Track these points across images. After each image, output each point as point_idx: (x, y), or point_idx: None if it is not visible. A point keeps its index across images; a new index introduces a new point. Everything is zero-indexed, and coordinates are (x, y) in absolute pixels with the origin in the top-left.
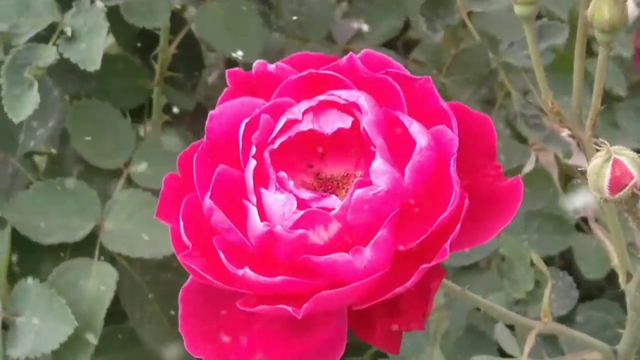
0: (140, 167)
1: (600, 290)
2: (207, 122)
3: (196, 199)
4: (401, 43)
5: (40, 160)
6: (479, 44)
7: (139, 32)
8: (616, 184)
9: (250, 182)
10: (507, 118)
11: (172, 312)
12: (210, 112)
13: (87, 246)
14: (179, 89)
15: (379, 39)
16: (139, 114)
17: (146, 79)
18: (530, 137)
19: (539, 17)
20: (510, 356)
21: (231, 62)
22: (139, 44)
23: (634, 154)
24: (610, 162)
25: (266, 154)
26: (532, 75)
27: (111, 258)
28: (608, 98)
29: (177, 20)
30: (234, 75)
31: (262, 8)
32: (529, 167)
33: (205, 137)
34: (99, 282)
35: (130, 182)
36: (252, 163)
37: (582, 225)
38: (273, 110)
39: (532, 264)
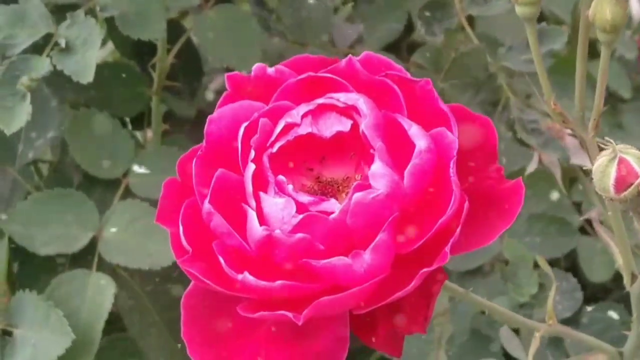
0: (138, 177)
1: (605, 292)
2: (206, 126)
3: (196, 203)
4: (405, 46)
5: (44, 167)
6: (478, 48)
7: (137, 39)
8: (622, 183)
9: (249, 187)
10: (509, 121)
11: (173, 323)
12: (209, 116)
13: (85, 257)
14: (177, 96)
15: (379, 42)
16: (139, 122)
17: (145, 86)
18: (529, 143)
19: (540, 19)
20: (515, 359)
21: (232, 69)
22: (138, 51)
23: None
24: (616, 161)
25: (265, 158)
26: (533, 78)
27: (111, 269)
28: (613, 99)
29: (175, 28)
30: (233, 79)
31: (261, 13)
32: (531, 167)
33: (204, 141)
34: (97, 293)
35: (128, 192)
36: (251, 167)
37: (586, 227)
38: (272, 113)
39: (535, 266)
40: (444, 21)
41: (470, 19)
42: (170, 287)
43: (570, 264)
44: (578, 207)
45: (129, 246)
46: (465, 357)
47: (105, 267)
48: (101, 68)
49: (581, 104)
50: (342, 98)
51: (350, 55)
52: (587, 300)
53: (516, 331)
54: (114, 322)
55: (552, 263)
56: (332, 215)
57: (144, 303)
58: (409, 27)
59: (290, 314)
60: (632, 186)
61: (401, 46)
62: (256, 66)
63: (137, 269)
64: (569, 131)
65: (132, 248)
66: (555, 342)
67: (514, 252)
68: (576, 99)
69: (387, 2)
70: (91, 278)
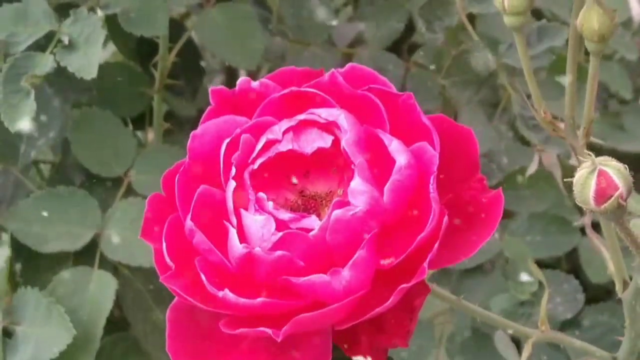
0: (140, 176)
1: (607, 294)
2: (189, 141)
3: (179, 219)
4: (407, 47)
5: (46, 168)
6: (478, 46)
7: (139, 39)
8: (601, 195)
9: (230, 204)
10: (510, 120)
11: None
12: (193, 132)
13: (87, 255)
14: (179, 95)
15: (380, 42)
16: (140, 121)
17: (147, 86)
18: (530, 139)
19: (541, 18)
20: None
21: (232, 69)
22: (139, 52)
23: (620, 165)
24: (596, 173)
25: (246, 175)
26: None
27: (114, 268)
28: (614, 101)
29: (177, 27)
30: (217, 93)
31: (263, 13)
32: (532, 168)
33: (187, 156)
34: (99, 290)
35: (130, 191)
36: (232, 184)
37: None
38: (254, 129)
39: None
40: (445, 19)
41: (472, 18)
42: None
43: (572, 266)
44: (580, 208)
45: (131, 244)
46: (466, 355)
47: (108, 265)
48: (103, 68)
49: (571, 111)
50: (323, 114)
51: (333, 70)
52: (589, 302)
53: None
54: (116, 322)
55: (554, 264)
56: (312, 233)
57: (147, 302)
58: (411, 28)
59: (269, 331)
60: (612, 198)
61: (402, 47)
62: (240, 80)
63: (140, 268)
64: None
65: (134, 246)
66: (553, 346)
67: (515, 251)
68: (566, 106)
69: (388, 3)
70: (93, 275)
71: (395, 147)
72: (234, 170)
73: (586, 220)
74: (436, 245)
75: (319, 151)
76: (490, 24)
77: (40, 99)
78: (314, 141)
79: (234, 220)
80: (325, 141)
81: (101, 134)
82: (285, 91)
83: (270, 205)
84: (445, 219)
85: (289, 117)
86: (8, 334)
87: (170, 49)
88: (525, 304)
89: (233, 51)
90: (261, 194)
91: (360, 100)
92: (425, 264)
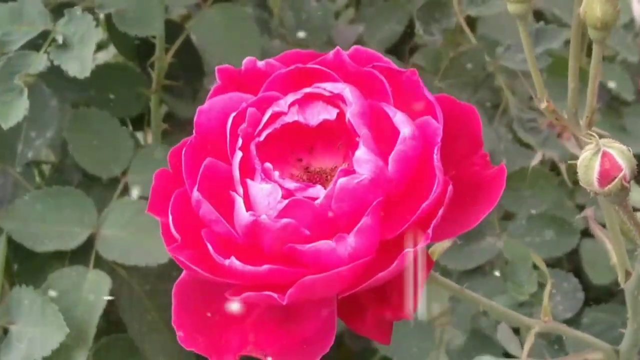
0: (137, 176)
1: (609, 295)
2: (195, 116)
3: (186, 193)
4: (408, 49)
5: (47, 169)
6: (476, 48)
7: (138, 40)
8: (605, 177)
9: (236, 174)
10: (509, 122)
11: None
12: (199, 107)
13: (83, 254)
14: (179, 97)
15: (380, 44)
16: (140, 122)
17: (145, 87)
18: (528, 141)
19: (541, 20)
20: (513, 356)
21: None
22: (139, 52)
23: (624, 147)
24: (599, 155)
25: (252, 146)
26: (531, 78)
27: (110, 268)
28: (616, 102)
29: (176, 29)
30: (223, 71)
31: (262, 15)
32: (535, 161)
33: (194, 131)
34: (93, 289)
35: (127, 191)
36: (238, 155)
37: (589, 230)
38: (260, 103)
39: (535, 265)
40: (442, 21)
41: (472, 21)
42: (168, 287)
43: (573, 267)
44: (581, 209)
45: (127, 243)
46: (466, 356)
47: (104, 265)
48: (101, 68)
49: (574, 100)
50: (329, 87)
51: (338, 48)
52: (591, 303)
53: (516, 331)
54: (114, 323)
55: (555, 264)
56: (317, 201)
57: (143, 302)
58: (412, 30)
59: (275, 295)
60: (616, 179)
61: (404, 49)
62: (246, 60)
63: (136, 269)
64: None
65: (130, 245)
66: (556, 341)
67: (514, 252)
68: (569, 95)
69: (389, 4)
70: (88, 275)
71: (400, 119)
72: (240, 141)
73: (589, 212)
74: (440, 211)
75: (324, 125)
76: (491, 26)
77: (38, 99)
78: (320, 113)
79: (240, 190)
80: (331, 114)
81: (98, 135)
82: (291, 67)
83: (276, 174)
84: (450, 187)
85: (293, 92)
86: (3, 331)
87: (167, 50)
88: (524, 305)
89: (230, 52)
90: (267, 164)
91: (364, 76)
92: (430, 230)
